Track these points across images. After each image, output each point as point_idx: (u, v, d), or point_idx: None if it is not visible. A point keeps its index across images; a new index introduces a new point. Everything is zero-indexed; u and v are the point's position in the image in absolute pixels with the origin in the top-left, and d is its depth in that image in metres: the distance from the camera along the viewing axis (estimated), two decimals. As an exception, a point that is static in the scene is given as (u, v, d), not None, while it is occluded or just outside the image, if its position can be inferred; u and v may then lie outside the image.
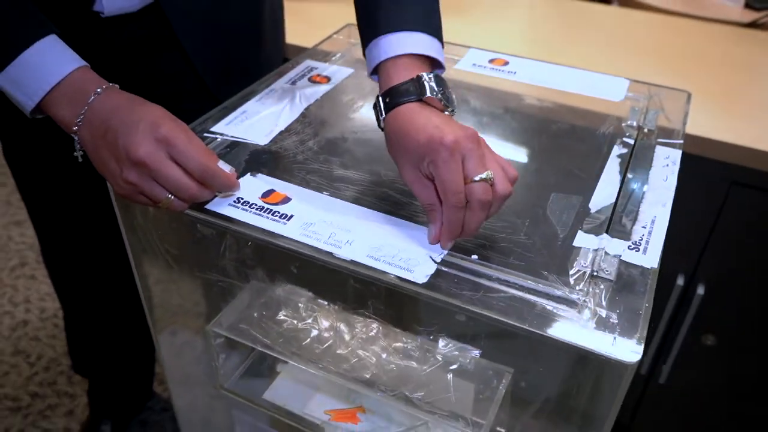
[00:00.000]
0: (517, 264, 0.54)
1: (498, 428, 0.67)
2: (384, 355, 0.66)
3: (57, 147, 0.77)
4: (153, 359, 1.32)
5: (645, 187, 0.64)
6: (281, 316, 0.70)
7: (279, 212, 0.59)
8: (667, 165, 0.68)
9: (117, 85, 0.59)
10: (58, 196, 0.96)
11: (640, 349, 0.47)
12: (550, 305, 0.50)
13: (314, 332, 0.67)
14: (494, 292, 0.51)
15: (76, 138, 0.58)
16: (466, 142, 0.52)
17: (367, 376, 0.64)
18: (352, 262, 0.53)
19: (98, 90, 0.57)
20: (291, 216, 0.58)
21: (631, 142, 0.72)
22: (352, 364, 0.65)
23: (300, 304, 0.70)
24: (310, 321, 0.69)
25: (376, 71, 0.63)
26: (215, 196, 0.60)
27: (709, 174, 0.97)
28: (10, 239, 1.86)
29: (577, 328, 0.48)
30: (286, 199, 0.61)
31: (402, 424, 0.72)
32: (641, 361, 1.15)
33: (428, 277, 0.52)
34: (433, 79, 0.58)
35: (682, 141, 0.72)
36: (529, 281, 0.52)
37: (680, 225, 1.03)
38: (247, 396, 0.75)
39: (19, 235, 1.86)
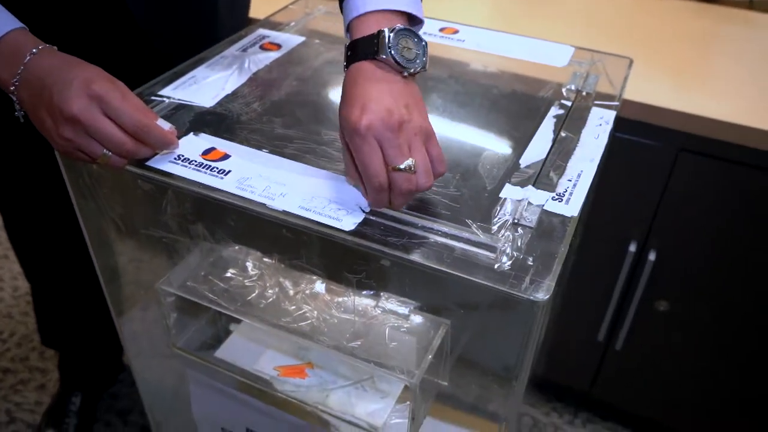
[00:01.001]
0: (444, 214, 0.56)
1: (438, 381, 0.70)
2: (326, 309, 0.68)
3: (9, 120, 0.79)
4: None
5: (576, 145, 0.66)
6: (228, 273, 0.72)
7: (217, 168, 0.61)
8: (600, 125, 0.70)
9: (55, 47, 0.60)
10: (16, 170, 0.97)
11: (551, 286, 0.49)
12: (470, 250, 0.52)
13: (259, 289, 0.69)
14: (417, 239, 0.53)
15: (14, 99, 0.60)
16: (383, 129, 0.51)
17: (307, 329, 0.66)
18: (284, 212, 0.55)
19: (34, 50, 0.58)
20: (229, 171, 0.60)
21: (569, 104, 0.74)
22: (294, 317, 0.67)
23: (248, 263, 0.72)
24: (255, 278, 0.71)
25: (349, 29, 0.61)
26: (155, 154, 0.61)
27: (657, 141, 1.00)
28: (-17, 220, 1.87)
29: (493, 270, 0.50)
30: (226, 156, 0.62)
31: (348, 379, 0.74)
32: (597, 328, 1.19)
33: (356, 225, 0.54)
34: (392, 36, 0.54)
35: (618, 103, 0.75)
36: (452, 228, 0.54)
37: (631, 192, 1.06)
38: (200, 354, 0.77)
39: (-8, 215, 1.86)
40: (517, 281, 0.49)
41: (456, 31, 0.90)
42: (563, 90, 0.77)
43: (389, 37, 0.54)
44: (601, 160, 0.65)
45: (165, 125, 0.60)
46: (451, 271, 0.50)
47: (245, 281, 0.70)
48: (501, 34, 0.89)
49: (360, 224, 0.54)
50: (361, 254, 0.54)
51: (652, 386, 1.26)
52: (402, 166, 0.51)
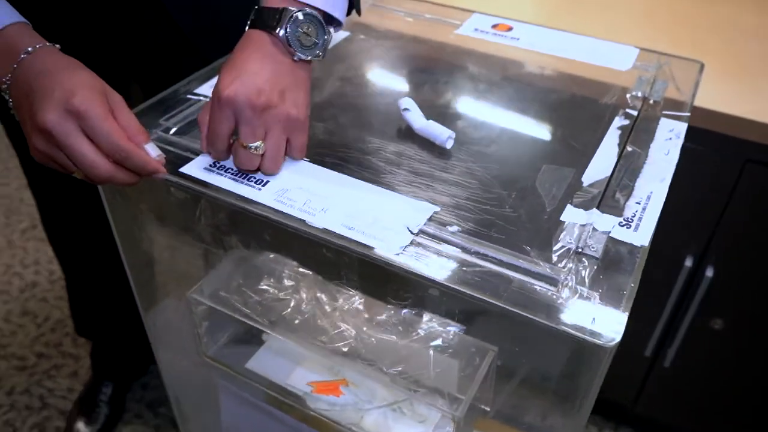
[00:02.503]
0: (498, 237, 0.51)
1: (482, 406, 0.65)
2: (365, 328, 0.64)
3: None
4: None
5: (644, 161, 0.60)
6: (263, 285, 0.68)
7: (254, 177, 0.57)
8: (671, 138, 0.64)
9: (57, 45, 0.56)
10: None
11: (620, 329, 0.44)
12: (528, 282, 0.47)
13: (294, 302, 0.66)
14: (470, 266, 0.49)
15: (7, 96, 0.56)
16: (244, 105, 0.52)
17: (345, 349, 0.62)
18: (325, 230, 0.51)
19: (29, 48, 0.54)
20: (267, 182, 0.56)
21: (635, 113, 0.68)
22: (330, 336, 0.63)
23: (283, 274, 0.69)
24: (291, 291, 0.67)
25: None
26: (140, 179, 0.56)
27: (722, 151, 0.92)
28: (21, 201, 1.88)
29: (554, 306, 0.45)
30: (264, 164, 0.58)
31: (385, 399, 0.70)
32: (645, 343, 1.13)
33: (402, 249, 0.49)
34: (296, 17, 0.55)
35: (688, 114, 0.68)
36: (508, 256, 0.49)
37: (690, 204, 0.99)
38: (230, 365, 0.74)
39: (30, 197, 1.87)
40: (581, 322, 0.44)
41: (510, 28, 0.84)
42: (628, 97, 0.71)
43: (292, 17, 0.54)
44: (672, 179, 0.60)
45: (153, 151, 0.55)
46: (510, 308, 0.45)
47: (280, 294, 0.66)
48: (558, 33, 0.83)
49: (406, 247, 0.50)
50: (408, 280, 0.49)
51: (699, 406, 1.19)
52: (250, 145, 0.53)
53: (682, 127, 0.66)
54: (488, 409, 0.65)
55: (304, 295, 0.67)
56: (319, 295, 0.66)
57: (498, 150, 0.62)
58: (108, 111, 0.53)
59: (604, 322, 0.44)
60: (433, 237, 0.51)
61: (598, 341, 0.43)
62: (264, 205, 0.54)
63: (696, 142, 0.93)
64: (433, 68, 0.78)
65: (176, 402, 0.93)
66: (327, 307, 0.65)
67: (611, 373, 1.24)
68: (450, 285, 0.47)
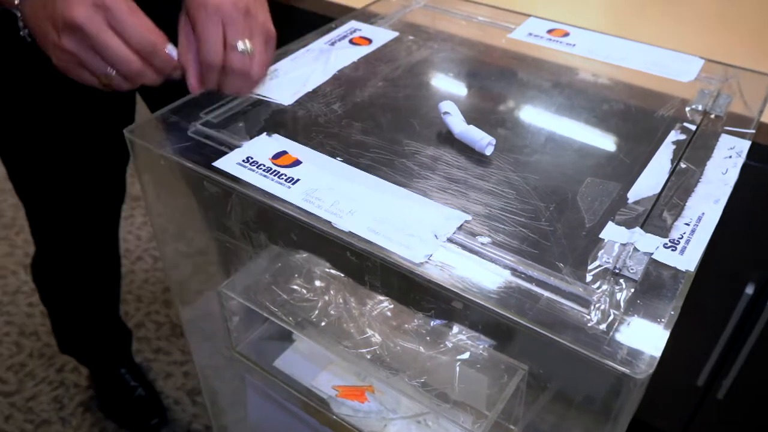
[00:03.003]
0: (530, 252, 0.49)
1: (509, 425, 0.63)
2: (391, 336, 0.62)
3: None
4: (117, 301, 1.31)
5: (698, 180, 0.56)
6: (293, 284, 0.67)
7: (286, 175, 0.56)
8: (730, 156, 0.60)
9: None
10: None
11: (654, 360, 0.41)
12: (557, 301, 0.45)
13: (322, 304, 0.65)
14: (496, 280, 0.46)
15: (18, 14, 0.57)
16: (231, 9, 0.54)
17: (369, 356, 0.60)
18: (350, 233, 0.50)
19: None
20: (297, 180, 0.55)
21: (693, 128, 0.63)
22: (355, 341, 0.62)
23: (314, 274, 0.68)
24: (320, 292, 0.66)
25: None
26: (164, 80, 0.59)
27: (793, 173, 0.86)
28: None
29: (583, 329, 0.43)
30: (297, 162, 0.57)
31: (411, 410, 0.68)
32: (698, 372, 1.06)
33: (427, 257, 0.48)
34: None
35: (753, 131, 0.63)
36: (538, 272, 0.46)
37: (755, 228, 0.93)
38: (258, 361, 0.74)
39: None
40: (612, 348, 0.41)
41: (566, 34, 0.80)
42: (687, 110, 0.66)
43: None
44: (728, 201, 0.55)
45: (173, 51, 0.57)
46: (533, 327, 0.43)
47: (309, 294, 0.66)
48: (617, 40, 0.79)
49: (431, 256, 0.48)
50: (431, 291, 0.47)
51: (755, 443, 1.11)
52: (240, 47, 0.56)
53: (744, 145, 0.61)
54: (514, 428, 0.62)
55: (333, 298, 0.66)
56: (348, 298, 0.65)
57: (540, 160, 0.59)
58: (133, 8, 0.54)
59: (636, 350, 0.41)
60: (460, 247, 0.49)
61: (628, 371, 0.40)
62: (292, 204, 0.53)
63: (764, 161, 0.87)
64: (481, 72, 0.76)
65: (209, 394, 0.93)
66: (355, 312, 0.64)
67: (659, 400, 1.18)
68: (472, 299, 0.45)
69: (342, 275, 0.66)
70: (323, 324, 0.63)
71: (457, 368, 0.60)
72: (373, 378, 0.71)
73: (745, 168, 0.86)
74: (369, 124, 0.64)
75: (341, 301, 0.65)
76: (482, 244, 0.49)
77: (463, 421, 0.56)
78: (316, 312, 0.64)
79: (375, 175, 0.56)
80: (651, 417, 1.22)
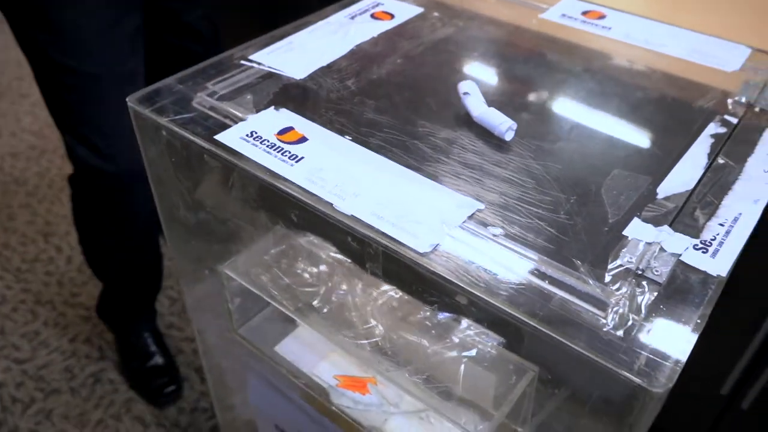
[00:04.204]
0: (545, 246, 0.45)
1: (516, 428, 0.59)
2: (396, 327, 0.59)
3: None
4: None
5: (737, 177, 0.52)
6: (297, 267, 0.65)
7: (290, 152, 0.53)
8: (774, 153, 0.55)
9: None
10: None
11: (675, 373, 0.37)
12: (572, 301, 0.41)
13: (325, 290, 0.62)
14: (506, 276, 0.42)
15: None
16: None
17: (369, 348, 0.57)
18: (352, 217, 0.46)
19: None
20: (301, 158, 0.52)
21: (734, 121, 0.58)
22: (357, 332, 0.59)
23: (320, 258, 0.65)
24: (325, 277, 0.63)
25: None
26: None
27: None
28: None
29: (597, 334, 0.39)
30: (303, 139, 0.54)
31: (413, 405, 0.65)
32: (723, 380, 1.01)
33: (433, 247, 0.44)
34: None
35: (802, 127, 0.58)
36: (553, 269, 0.42)
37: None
38: (259, 345, 0.71)
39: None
40: (628, 357, 0.37)
41: (602, 16, 0.75)
42: (729, 102, 0.61)
43: None
44: (768, 201, 0.50)
45: None
46: (542, 328, 0.39)
47: (312, 279, 0.63)
48: (657, 24, 0.73)
49: (437, 245, 0.44)
50: (435, 283, 0.44)
51: (780, 458, 1.06)
52: None
53: (790, 142, 0.56)
54: (521, 431, 0.59)
55: (337, 284, 0.63)
56: (352, 285, 0.62)
57: (564, 148, 0.55)
58: None
59: (656, 361, 0.37)
60: (470, 237, 0.45)
61: (644, 383, 0.36)
62: (294, 183, 0.50)
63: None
64: (507, 54, 0.71)
65: (212, 374, 0.92)
66: (359, 300, 0.61)
67: (681, 407, 1.13)
68: (478, 294, 0.41)
69: (348, 261, 0.63)
70: (325, 311, 0.60)
71: (463, 365, 0.56)
72: (374, 369, 0.68)
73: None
74: (383, 102, 0.60)
75: (345, 287, 0.62)
76: (494, 235, 0.45)
77: (465, 422, 0.53)
78: (319, 298, 0.61)
79: (385, 157, 0.53)
80: (671, 424, 1.17)
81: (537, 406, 0.56)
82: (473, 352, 0.56)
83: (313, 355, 0.70)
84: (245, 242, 0.68)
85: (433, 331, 0.58)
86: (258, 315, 0.74)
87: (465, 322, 0.58)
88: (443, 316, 0.59)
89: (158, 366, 1.31)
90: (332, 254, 0.64)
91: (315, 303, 0.61)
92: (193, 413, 1.28)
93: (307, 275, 0.63)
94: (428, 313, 0.59)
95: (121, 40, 0.92)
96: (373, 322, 0.59)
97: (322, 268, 0.64)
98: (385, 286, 0.61)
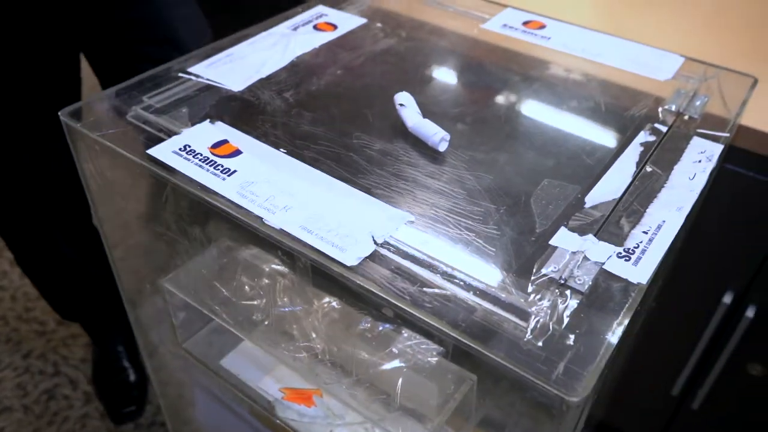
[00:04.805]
0: (472, 258, 0.45)
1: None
2: (336, 339, 0.59)
3: None
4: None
5: (663, 185, 0.53)
6: (238, 281, 0.64)
7: (222, 166, 0.52)
8: (700, 161, 0.56)
9: None
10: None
11: (591, 383, 0.37)
12: (495, 312, 0.41)
13: (266, 303, 0.61)
14: (431, 288, 0.43)
15: None
16: None
17: (307, 360, 0.57)
18: (281, 231, 0.46)
19: None
20: (234, 171, 0.52)
21: (664, 129, 0.60)
22: (296, 344, 0.58)
23: (262, 271, 0.64)
24: (266, 290, 0.63)
25: None
26: None
27: (775, 179, 0.82)
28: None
29: (518, 345, 0.39)
30: (236, 152, 0.54)
31: (359, 417, 0.65)
32: (673, 381, 1.03)
33: (360, 260, 0.44)
34: None
35: (727, 134, 0.60)
36: (477, 280, 0.43)
37: (734, 235, 0.89)
38: (205, 360, 0.70)
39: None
40: (547, 367, 0.38)
41: (542, 26, 0.76)
42: (660, 111, 0.63)
43: None
44: (693, 208, 0.52)
45: None
46: (462, 339, 0.39)
47: (253, 292, 0.62)
48: (595, 34, 0.75)
49: (366, 259, 0.44)
50: (363, 296, 0.44)
51: (730, 455, 1.09)
52: None
53: (716, 149, 0.58)
54: (465, 438, 0.59)
55: (278, 296, 0.62)
56: (293, 297, 0.62)
57: (497, 158, 0.56)
58: None
59: (573, 370, 0.38)
60: (398, 251, 0.45)
61: (561, 393, 0.37)
62: (224, 198, 0.49)
63: (744, 166, 0.84)
64: (447, 64, 0.72)
65: (162, 392, 0.90)
66: (300, 312, 0.61)
67: (634, 408, 1.15)
68: (402, 306, 0.41)
69: (289, 272, 0.63)
70: (265, 324, 0.60)
71: (402, 375, 0.56)
72: (324, 382, 0.68)
73: (724, 173, 0.83)
74: (320, 114, 0.60)
75: (287, 300, 0.62)
76: (422, 248, 0.46)
77: (403, 430, 0.53)
78: (260, 312, 0.61)
79: (318, 170, 0.53)
80: (626, 424, 1.19)
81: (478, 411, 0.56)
82: (412, 362, 0.56)
83: (259, 368, 0.69)
84: (188, 256, 0.67)
85: (374, 342, 0.58)
86: (203, 329, 0.73)
87: (405, 333, 0.58)
88: (384, 327, 0.59)
89: (126, 383, 1.28)
90: (274, 266, 0.64)
91: (255, 317, 0.60)
92: (149, 428, 1.26)
93: (247, 288, 0.62)
94: (369, 325, 0.59)
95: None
96: (314, 335, 0.59)
97: (264, 281, 0.63)
98: (327, 298, 0.61)
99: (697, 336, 0.97)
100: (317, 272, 0.54)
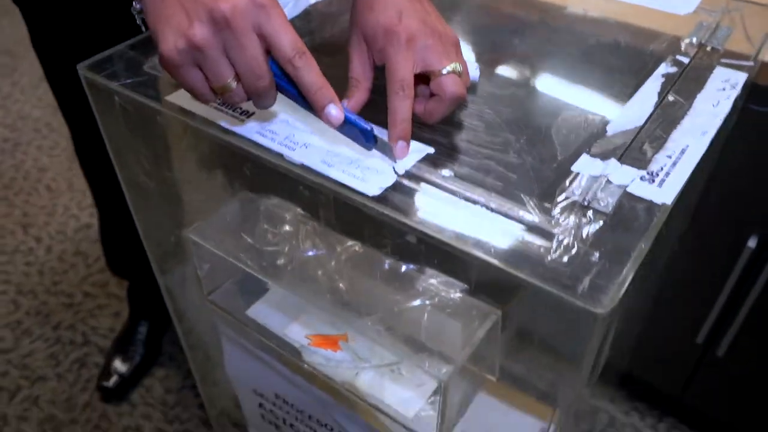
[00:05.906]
0: (494, 184, 0.45)
1: (486, 371, 0.60)
2: (361, 281, 0.59)
3: (85, 34, 0.74)
4: None
5: (686, 112, 0.52)
6: (262, 229, 0.65)
7: (241, 108, 0.52)
8: (724, 89, 0.55)
9: None
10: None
11: (617, 296, 0.37)
12: (517, 233, 0.41)
13: (291, 249, 0.62)
14: (456, 212, 0.43)
15: (138, 7, 0.49)
16: (424, 37, 0.48)
17: (334, 302, 0.58)
18: (302, 166, 0.47)
19: None
20: (252, 113, 0.52)
21: (686, 60, 0.59)
22: (322, 287, 0.59)
23: (285, 218, 0.65)
24: (289, 237, 0.63)
25: None
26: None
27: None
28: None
29: (543, 263, 0.39)
30: (254, 95, 0.54)
31: (384, 359, 0.66)
32: (698, 329, 1.03)
33: (382, 190, 0.44)
34: None
35: (752, 63, 0.58)
36: (501, 203, 0.43)
37: (759, 178, 0.88)
38: (231, 310, 0.72)
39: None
40: (573, 282, 0.38)
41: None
42: (681, 43, 0.62)
43: None
44: (717, 134, 0.51)
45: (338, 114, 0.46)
46: (488, 259, 0.40)
47: (277, 239, 0.63)
48: (613, -28, 0.73)
49: (388, 189, 0.45)
50: (385, 225, 0.44)
51: (755, 401, 1.08)
52: (449, 68, 0.48)
53: (740, 78, 0.57)
54: (493, 378, 0.60)
55: (301, 242, 0.63)
56: (317, 242, 0.62)
57: (515, 93, 0.55)
58: (285, 16, 0.45)
59: (599, 284, 0.38)
60: (420, 180, 0.45)
61: (590, 307, 0.37)
62: (245, 137, 0.50)
63: (768, 105, 0.82)
64: (463, 5, 0.71)
65: (190, 351, 0.92)
66: (323, 256, 0.61)
67: (659, 358, 1.15)
68: (429, 232, 0.42)
69: (312, 219, 0.63)
70: (289, 269, 0.61)
71: (426, 313, 0.57)
72: (350, 326, 0.69)
73: (749, 113, 0.81)
74: (339, 58, 0.60)
75: (310, 244, 0.62)
76: (443, 177, 0.46)
77: (429, 367, 0.54)
78: (283, 257, 0.62)
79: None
80: (650, 375, 1.19)
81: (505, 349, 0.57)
82: (436, 300, 0.57)
83: (285, 317, 0.70)
84: (211, 207, 0.68)
85: (397, 283, 0.59)
86: (228, 281, 0.74)
87: (429, 272, 0.58)
88: (407, 267, 0.59)
89: (118, 372, 1.30)
90: (297, 214, 0.64)
91: (279, 262, 0.61)
92: (180, 392, 1.29)
93: (270, 236, 0.63)
94: (392, 266, 0.60)
95: None
96: (337, 277, 0.59)
97: (286, 228, 0.64)
98: (349, 242, 0.61)
99: (721, 282, 0.96)
100: (339, 216, 0.55)
